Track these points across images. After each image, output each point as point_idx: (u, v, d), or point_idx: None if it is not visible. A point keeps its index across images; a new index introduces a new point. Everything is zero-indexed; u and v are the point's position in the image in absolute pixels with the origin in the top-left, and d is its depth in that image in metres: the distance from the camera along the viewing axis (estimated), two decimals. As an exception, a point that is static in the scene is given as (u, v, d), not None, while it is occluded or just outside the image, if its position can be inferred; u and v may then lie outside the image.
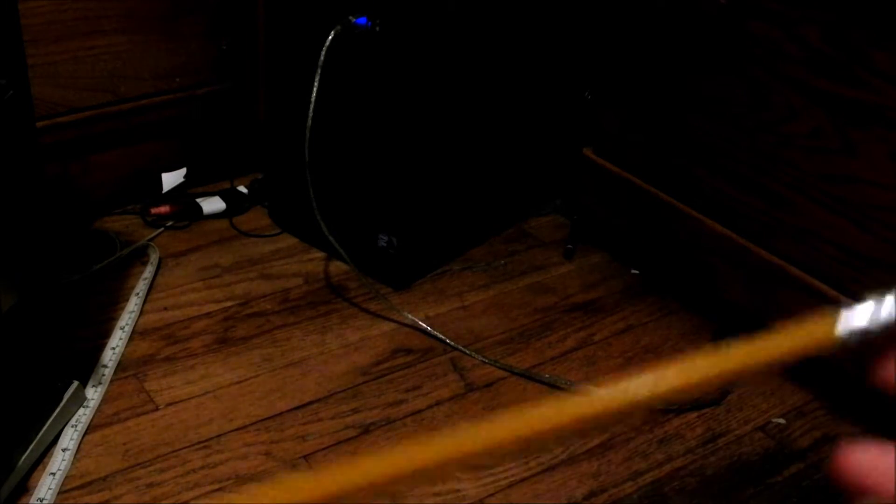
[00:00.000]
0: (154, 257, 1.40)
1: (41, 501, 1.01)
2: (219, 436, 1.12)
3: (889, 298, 0.26)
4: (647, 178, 1.39)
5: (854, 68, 1.09)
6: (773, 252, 1.24)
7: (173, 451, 1.09)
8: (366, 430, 1.15)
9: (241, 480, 1.06)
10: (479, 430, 0.25)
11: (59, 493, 1.02)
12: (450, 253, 1.48)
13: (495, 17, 1.36)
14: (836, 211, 1.15)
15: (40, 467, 1.04)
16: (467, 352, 1.28)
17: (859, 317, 0.26)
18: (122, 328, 1.26)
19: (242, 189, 1.56)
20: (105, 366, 1.19)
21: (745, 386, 1.25)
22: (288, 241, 1.49)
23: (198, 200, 1.52)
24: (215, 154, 1.58)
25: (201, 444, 1.11)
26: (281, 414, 1.16)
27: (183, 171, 1.56)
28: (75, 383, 1.11)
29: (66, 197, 1.46)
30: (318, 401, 1.18)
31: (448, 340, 1.29)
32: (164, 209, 1.50)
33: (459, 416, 1.18)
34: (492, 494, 1.07)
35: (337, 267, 1.43)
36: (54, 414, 1.07)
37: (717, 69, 1.25)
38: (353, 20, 1.24)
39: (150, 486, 1.05)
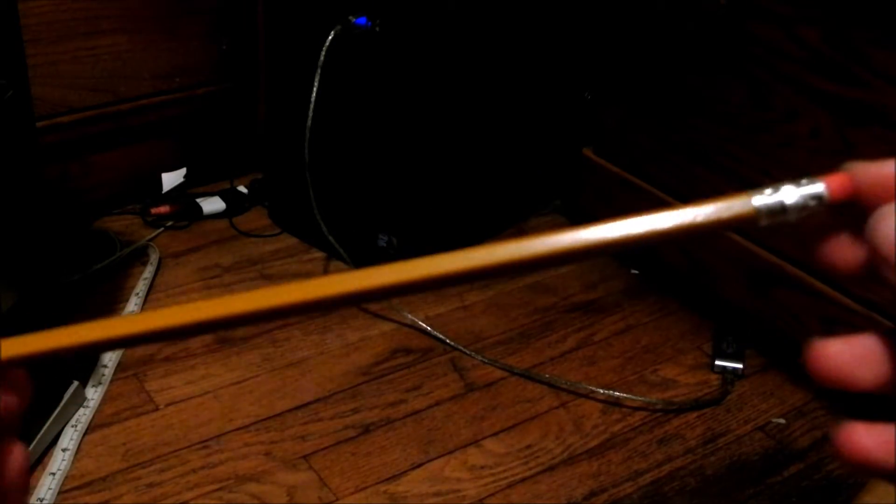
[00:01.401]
0: (154, 257, 1.40)
1: (41, 501, 1.01)
2: (219, 436, 1.12)
3: (817, 183, 0.26)
4: (647, 177, 1.39)
5: (854, 68, 1.09)
6: (773, 252, 1.24)
7: (173, 451, 1.09)
8: (366, 430, 1.15)
9: (241, 480, 1.06)
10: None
11: (59, 493, 1.02)
12: (450, 253, 1.48)
13: (495, 18, 1.36)
14: (836, 210, 1.15)
15: (40, 467, 1.04)
16: (467, 352, 1.28)
17: (780, 194, 0.26)
18: (122, 328, 1.26)
19: (242, 189, 1.56)
20: (105, 366, 1.19)
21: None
22: (288, 241, 1.49)
23: (198, 200, 1.52)
24: (215, 154, 1.58)
25: (201, 444, 1.11)
26: (281, 414, 1.16)
27: (183, 171, 1.56)
28: (75, 383, 1.11)
29: (66, 197, 1.45)
30: (318, 401, 1.18)
31: (448, 340, 1.29)
32: (164, 209, 1.50)
33: (459, 416, 1.18)
34: (492, 494, 1.07)
35: (337, 267, 1.43)
36: (54, 414, 1.07)
37: (717, 69, 1.25)
38: (353, 20, 1.24)
39: (150, 486, 1.05)
